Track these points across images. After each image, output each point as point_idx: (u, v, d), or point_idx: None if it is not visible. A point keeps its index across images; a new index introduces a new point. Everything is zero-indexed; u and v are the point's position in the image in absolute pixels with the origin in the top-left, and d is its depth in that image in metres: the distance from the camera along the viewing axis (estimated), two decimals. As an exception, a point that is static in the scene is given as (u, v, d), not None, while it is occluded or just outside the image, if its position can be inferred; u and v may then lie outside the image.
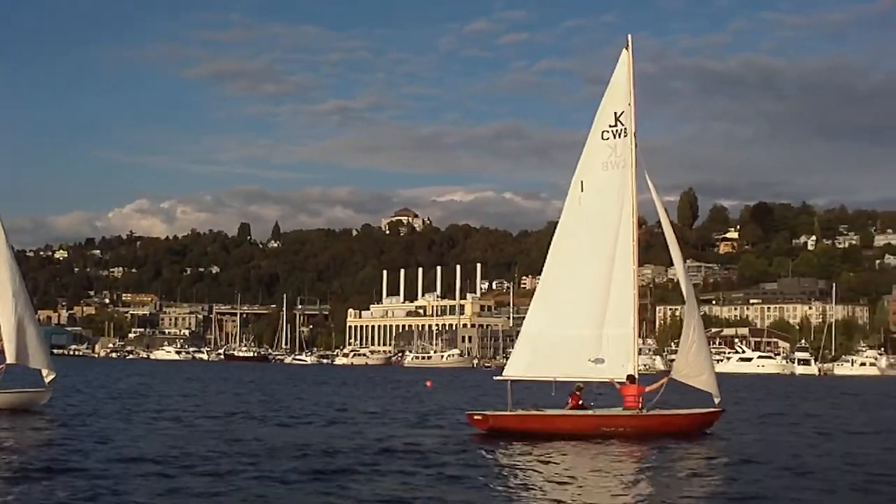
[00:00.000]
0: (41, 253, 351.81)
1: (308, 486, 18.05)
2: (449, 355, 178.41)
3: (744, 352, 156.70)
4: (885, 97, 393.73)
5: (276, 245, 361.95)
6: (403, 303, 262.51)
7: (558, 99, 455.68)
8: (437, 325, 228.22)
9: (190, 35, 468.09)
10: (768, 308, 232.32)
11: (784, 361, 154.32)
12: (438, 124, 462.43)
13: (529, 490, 18.14)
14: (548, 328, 29.13)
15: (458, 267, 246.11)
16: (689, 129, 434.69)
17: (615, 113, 29.30)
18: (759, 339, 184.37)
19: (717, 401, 29.46)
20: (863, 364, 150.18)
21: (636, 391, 28.08)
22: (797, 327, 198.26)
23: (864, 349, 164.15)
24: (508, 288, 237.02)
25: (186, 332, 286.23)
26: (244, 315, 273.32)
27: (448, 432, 29.32)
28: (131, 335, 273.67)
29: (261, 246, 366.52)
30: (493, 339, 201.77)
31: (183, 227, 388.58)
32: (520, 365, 29.53)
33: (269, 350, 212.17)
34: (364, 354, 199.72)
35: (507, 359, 30.84)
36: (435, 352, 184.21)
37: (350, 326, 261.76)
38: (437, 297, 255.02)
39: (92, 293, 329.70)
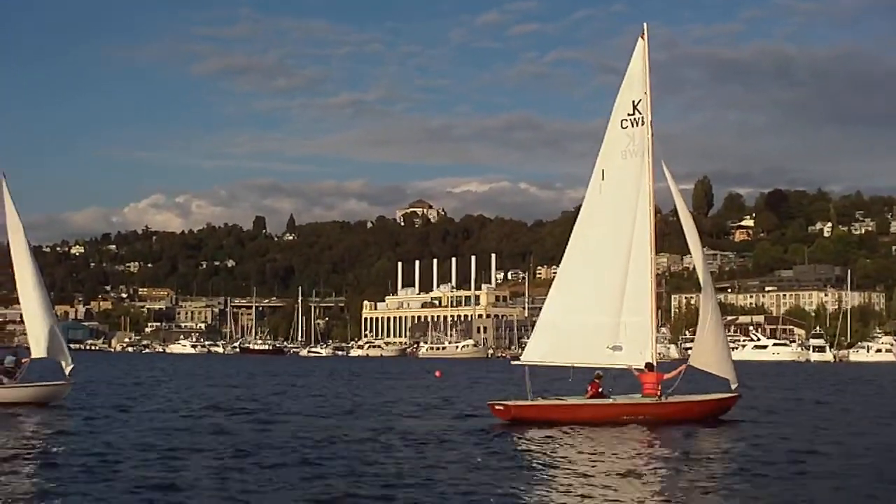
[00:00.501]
0: (58, 249, 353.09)
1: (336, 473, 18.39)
2: (464, 346, 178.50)
3: (759, 339, 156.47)
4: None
5: (291, 238, 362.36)
6: (419, 294, 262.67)
7: (569, 89, 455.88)
8: (452, 316, 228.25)
9: (199, 31, 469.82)
10: (784, 295, 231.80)
11: (799, 349, 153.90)
12: (450, 116, 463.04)
13: (551, 478, 18.35)
14: (566, 315, 29.38)
15: (473, 258, 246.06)
16: (702, 118, 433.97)
17: (633, 101, 29.49)
18: (774, 327, 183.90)
19: (734, 386, 29.68)
20: (878, 350, 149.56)
21: (655, 378, 28.28)
22: (813, 314, 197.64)
23: (879, 335, 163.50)
24: (524, 278, 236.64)
25: (202, 325, 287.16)
26: (260, 308, 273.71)
27: (469, 423, 29.57)
28: (147, 329, 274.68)
29: (276, 239, 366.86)
30: (507, 329, 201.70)
31: (198, 222, 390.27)
32: (538, 351, 29.82)
33: (285, 343, 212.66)
34: (379, 346, 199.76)
35: (522, 349, 31.02)
36: (450, 343, 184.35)
37: (365, 318, 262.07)
38: (453, 288, 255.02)
39: (108, 288, 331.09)
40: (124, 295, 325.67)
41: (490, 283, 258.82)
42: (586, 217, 30.13)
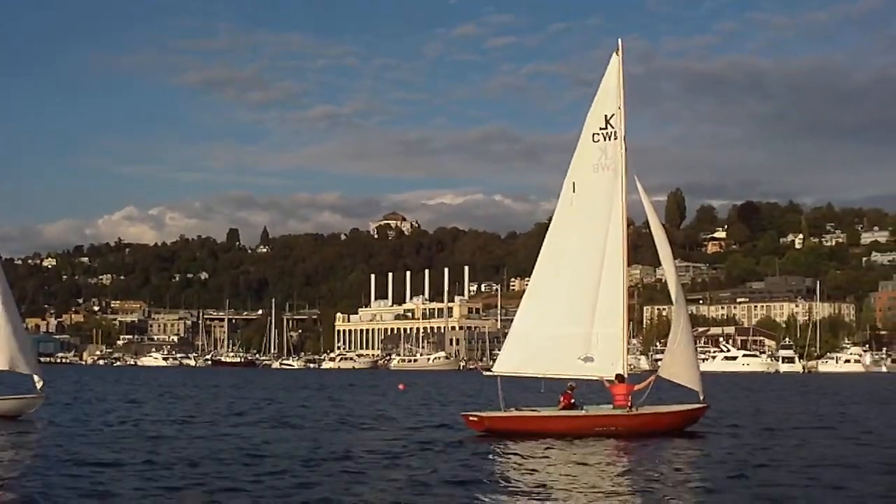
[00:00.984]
0: (29, 261, 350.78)
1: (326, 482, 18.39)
2: (435, 358, 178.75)
3: (729, 350, 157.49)
4: (870, 96, 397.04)
5: (264, 250, 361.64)
6: (392, 306, 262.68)
7: (546, 102, 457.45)
8: (425, 328, 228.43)
9: (177, 44, 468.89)
10: (755, 307, 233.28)
11: (769, 360, 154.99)
12: (426, 129, 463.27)
13: (525, 490, 18.40)
14: (538, 326, 29.51)
15: (447, 270, 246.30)
16: (677, 130, 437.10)
17: (605, 116, 29.69)
18: (745, 338, 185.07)
19: (701, 397, 29.91)
20: (847, 361, 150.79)
21: (626, 390, 28.43)
22: (784, 325, 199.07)
23: (848, 346, 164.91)
24: (497, 290, 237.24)
25: (175, 338, 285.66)
26: (233, 321, 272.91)
27: (438, 434, 29.61)
28: (120, 342, 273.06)
29: (249, 251, 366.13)
30: (480, 341, 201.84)
31: (172, 234, 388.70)
32: (510, 362, 29.93)
33: (257, 355, 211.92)
34: (351, 358, 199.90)
35: (494, 360, 31.09)
36: (421, 355, 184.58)
37: (339, 331, 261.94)
38: (426, 300, 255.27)
39: (80, 301, 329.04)
40: (96, 308, 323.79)
41: (463, 295, 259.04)
42: (558, 229, 30.25)
